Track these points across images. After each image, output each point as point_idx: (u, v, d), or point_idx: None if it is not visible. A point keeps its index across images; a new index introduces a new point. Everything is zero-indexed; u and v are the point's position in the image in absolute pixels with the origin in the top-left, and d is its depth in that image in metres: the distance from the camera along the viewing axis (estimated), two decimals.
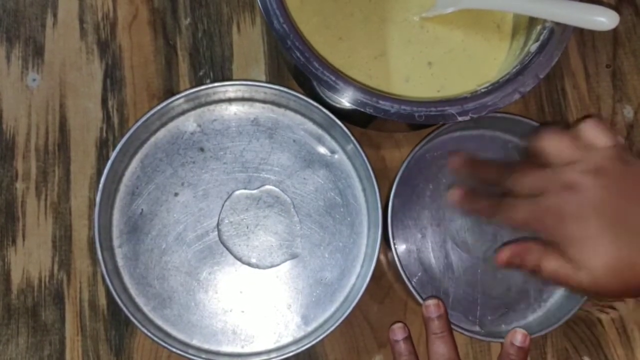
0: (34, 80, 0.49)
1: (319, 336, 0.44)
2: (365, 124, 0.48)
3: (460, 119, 0.39)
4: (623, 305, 0.49)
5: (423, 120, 0.39)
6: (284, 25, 0.39)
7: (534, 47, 0.41)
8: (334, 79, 0.39)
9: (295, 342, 0.46)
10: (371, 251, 0.45)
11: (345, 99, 0.39)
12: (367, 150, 0.45)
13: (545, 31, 0.41)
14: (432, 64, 0.46)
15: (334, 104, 0.45)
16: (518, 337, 0.43)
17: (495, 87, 0.40)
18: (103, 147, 0.48)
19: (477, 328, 0.47)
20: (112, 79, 0.49)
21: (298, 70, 0.47)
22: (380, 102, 0.39)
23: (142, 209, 0.46)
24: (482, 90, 0.40)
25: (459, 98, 0.40)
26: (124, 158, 0.46)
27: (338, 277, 0.47)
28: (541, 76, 0.40)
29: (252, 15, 0.51)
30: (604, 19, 0.39)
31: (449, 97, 0.40)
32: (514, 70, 0.40)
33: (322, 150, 0.48)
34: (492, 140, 0.50)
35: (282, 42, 0.39)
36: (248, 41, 0.51)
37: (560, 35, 0.41)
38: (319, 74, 0.39)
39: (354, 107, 0.39)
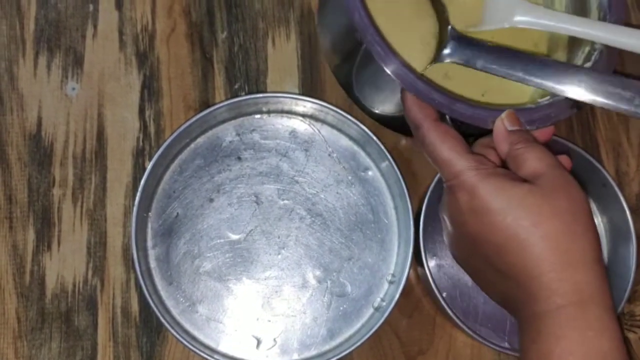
0: (73, 89, 0.50)
1: (344, 350, 0.44)
2: (407, 131, 0.49)
3: (527, 127, 0.40)
4: None
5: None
6: (365, 19, 0.39)
7: (587, 66, 0.42)
8: (413, 77, 0.39)
9: (320, 355, 0.46)
10: (401, 270, 0.45)
11: (421, 97, 0.39)
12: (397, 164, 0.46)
13: (595, 52, 0.42)
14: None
15: (378, 112, 0.45)
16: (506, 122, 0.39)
17: (557, 100, 0.41)
18: (139, 157, 0.49)
19: (506, 344, 0.47)
20: (150, 90, 0.50)
21: (355, 73, 0.47)
22: (457, 104, 0.39)
23: (177, 213, 0.47)
24: (545, 103, 0.41)
25: (526, 108, 0.40)
26: (164, 161, 0.47)
27: (365, 293, 0.47)
28: None
29: (287, 30, 0.52)
30: None
31: (518, 106, 0.40)
32: None
33: (356, 166, 0.49)
34: None
35: (363, 35, 0.39)
36: (283, 55, 0.52)
37: (609, 56, 0.42)
38: (397, 70, 0.39)
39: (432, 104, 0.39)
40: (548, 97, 0.41)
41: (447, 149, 0.37)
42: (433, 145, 0.37)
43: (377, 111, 0.46)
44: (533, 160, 0.37)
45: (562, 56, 0.46)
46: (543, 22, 0.44)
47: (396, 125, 0.47)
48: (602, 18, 0.43)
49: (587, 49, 0.44)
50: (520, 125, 0.39)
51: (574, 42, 0.45)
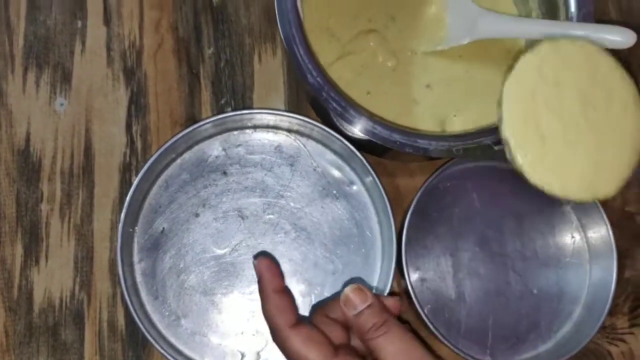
0: (62, 105, 0.50)
1: None
2: (381, 153, 0.49)
3: (496, 148, 0.40)
4: (633, 338, 0.50)
5: (461, 154, 0.40)
6: (318, 79, 0.41)
7: None
8: (372, 124, 0.41)
9: None
10: (383, 285, 0.46)
11: (382, 142, 0.41)
12: (381, 178, 0.46)
13: None
14: (432, 87, 0.47)
15: (351, 134, 0.46)
16: (350, 305, 0.39)
17: None
18: (126, 172, 0.50)
19: (488, 358, 0.47)
20: (137, 105, 0.51)
21: (317, 102, 0.49)
22: (419, 141, 0.40)
23: (163, 227, 0.48)
24: None
25: (492, 128, 0.41)
26: (150, 176, 0.47)
27: None
28: None
29: (273, 46, 0.52)
30: (620, 38, 0.40)
31: (483, 128, 0.41)
32: None
33: (341, 180, 0.49)
34: (504, 172, 0.51)
35: (318, 94, 0.40)
36: (268, 71, 0.52)
37: None
38: (355, 121, 0.41)
39: (392, 148, 0.41)
40: None
41: (313, 354, 0.37)
42: (297, 351, 0.38)
43: (350, 135, 0.47)
44: (388, 349, 0.37)
45: None
46: (507, 30, 0.44)
47: (369, 149, 0.48)
48: (570, 16, 0.44)
49: None
50: (365, 297, 0.39)
51: None
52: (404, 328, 0.38)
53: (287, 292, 0.41)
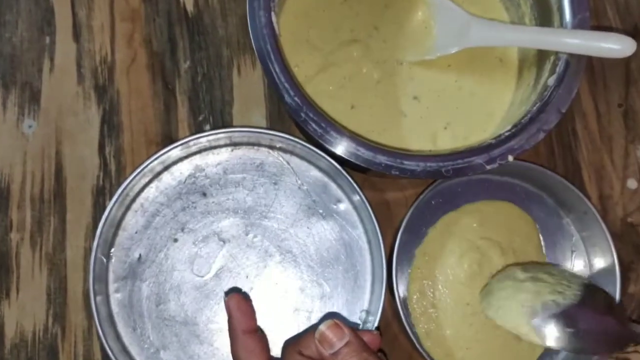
0: (30, 126, 0.48)
1: None
2: (367, 170, 0.47)
3: (488, 167, 0.38)
4: (639, 356, 0.47)
5: (451, 174, 0.38)
6: (296, 98, 0.38)
7: (551, 81, 0.40)
8: (355, 146, 0.38)
9: None
10: (375, 308, 0.43)
11: (366, 165, 0.38)
12: (371, 194, 0.44)
13: (560, 62, 0.40)
14: (420, 99, 0.45)
15: (335, 152, 0.44)
16: (326, 343, 0.37)
17: (519, 128, 0.39)
18: (99, 196, 0.47)
19: None
20: (110, 125, 0.48)
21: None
22: (405, 162, 0.38)
23: (140, 254, 0.45)
24: (506, 134, 0.39)
25: (484, 145, 0.38)
26: (125, 200, 0.45)
27: None
28: (563, 110, 0.39)
29: (253, 58, 0.50)
30: (618, 46, 0.38)
31: (474, 147, 0.39)
32: (535, 108, 0.39)
33: (327, 198, 0.46)
34: (500, 185, 0.48)
35: (296, 115, 0.38)
36: (248, 84, 0.49)
37: (576, 65, 0.40)
38: (337, 142, 0.38)
39: (378, 171, 0.38)
40: (509, 128, 0.39)
41: None
42: None
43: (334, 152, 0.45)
44: None
45: (533, 66, 0.44)
46: (498, 38, 0.42)
47: (355, 166, 0.45)
48: (564, 23, 0.41)
49: (552, 58, 0.42)
50: (342, 334, 0.37)
51: (541, 54, 0.43)
52: None
53: (257, 333, 0.39)
